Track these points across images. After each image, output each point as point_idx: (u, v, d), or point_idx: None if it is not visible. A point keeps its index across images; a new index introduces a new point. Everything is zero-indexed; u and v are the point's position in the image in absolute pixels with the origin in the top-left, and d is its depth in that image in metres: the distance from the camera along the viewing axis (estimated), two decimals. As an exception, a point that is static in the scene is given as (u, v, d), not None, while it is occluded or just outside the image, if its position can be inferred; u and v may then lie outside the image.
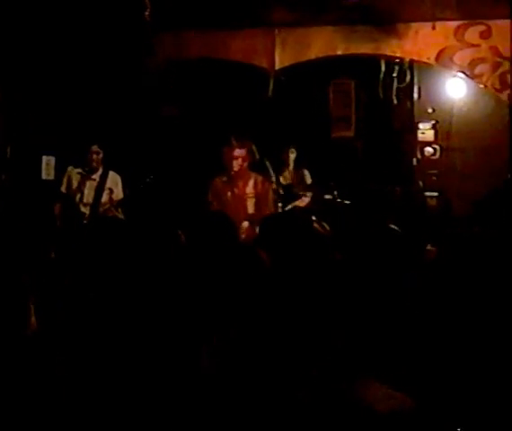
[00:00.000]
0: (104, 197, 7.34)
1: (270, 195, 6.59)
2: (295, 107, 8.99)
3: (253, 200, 6.48)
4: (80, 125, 8.08)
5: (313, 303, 2.87)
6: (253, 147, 6.46)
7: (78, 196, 7.33)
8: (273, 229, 3.74)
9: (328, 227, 4.26)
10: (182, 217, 4.36)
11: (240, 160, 6.41)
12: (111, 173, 7.43)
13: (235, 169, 6.43)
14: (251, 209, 6.49)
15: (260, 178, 6.56)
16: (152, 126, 8.72)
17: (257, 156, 6.49)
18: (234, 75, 8.68)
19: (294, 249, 3.49)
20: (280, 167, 8.06)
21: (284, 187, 7.57)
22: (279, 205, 7.00)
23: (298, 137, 8.54)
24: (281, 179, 7.87)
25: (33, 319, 2.80)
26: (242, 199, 6.50)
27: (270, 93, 8.32)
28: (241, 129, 6.95)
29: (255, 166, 6.62)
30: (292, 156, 8.36)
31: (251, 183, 6.54)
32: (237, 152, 6.42)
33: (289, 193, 7.58)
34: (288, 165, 8.34)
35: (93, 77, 8.06)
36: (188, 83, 8.77)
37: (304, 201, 7.46)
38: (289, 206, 7.26)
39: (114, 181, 7.45)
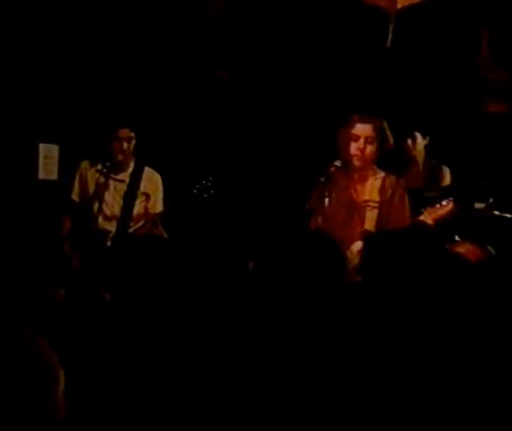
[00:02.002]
0: (137, 208, 4.88)
1: (406, 206, 4.32)
2: (424, 68, 6.05)
3: (375, 212, 4.25)
4: (97, 95, 5.71)
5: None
6: (384, 124, 4.30)
7: (97, 205, 4.81)
8: (385, 254, 2.75)
9: (490, 250, 3.06)
10: (255, 238, 3.42)
11: (362, 142, 4.19)
12: (148, 171, 4.94)
13: (356, 161, 4.20)
14: (370, 224, 4.26)
15: (390, 178, 4.31)
16: (211, 97, 6.00)
17: (391, 141, 4.27)
18: (337, 24, 5.98)
19: (422, 284, 2.57)
20: (403, 160, 5.51)
21: (409, 190, 4.70)
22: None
23: (429, 115, 5.87)
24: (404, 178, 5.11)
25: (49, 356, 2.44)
26: (359, 209, 4.26)
27: (389, 44, 5.73)
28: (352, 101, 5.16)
29: (384, 158, 4.35)
30: (421, 144, 5.67)
31: (375, 184, 4.29)
32: (360, 128, 4.22)
33: (418, 199, 4.82)
34: (415, 158, 5.68)
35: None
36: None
37: (439, 211, 4.53)
38: (419, 218, 4.54)
39: (152, 183, 4.97)
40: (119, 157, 4.74)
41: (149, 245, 3.00)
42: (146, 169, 4.93)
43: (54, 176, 5.75)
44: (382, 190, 4.25)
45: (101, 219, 4.78)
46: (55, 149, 5.75)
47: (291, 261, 2.81)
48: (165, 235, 4.72)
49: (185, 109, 6.01)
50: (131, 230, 4.81)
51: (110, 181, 4.81)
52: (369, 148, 4.18)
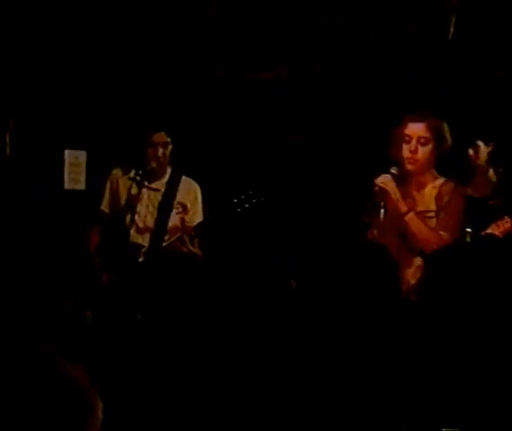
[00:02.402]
0: (173, 220, 4.49)
1: (459, 214, 3.88)
2: (487, 64, 5.43)
3: (433, 223, 3.83)
4: (126, 96, 5.24)
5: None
6: (444, 125, 3.89)
7: (129, 217, 4.41)
8: (449, 272, 2.60)
9: None
10: (301, 253, 3.52)
11: (414, 143, 3.76)
12: (185, 180, 4.58)
13: (408, 164, 3.80)
14: None
15: (448, 184, 3.88)
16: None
17: (448, 142, 3.87)
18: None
19: (492, 303, 2.39)
20: (467, 167, 4.85)
21: (473, 201, 4.33)
22: (467, 231, 4.01)
23: (492, 119, 5.18)
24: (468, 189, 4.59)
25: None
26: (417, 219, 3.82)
27: (451, 37, 5.24)
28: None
29: (442, 162, 3.89)
30: (484, 152, 4.88)
31: (433, 192, 3.86)
32: (412, 128, 3.80)
33: (482, 211, 4.31)
34: (479, 166, 4.87)
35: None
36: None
37: (508, 224, 4.00)
38: (487, 231, 3.99)
39: (190, 193, 4.59)
40: (154, 164, 4.38)
41: (185, 264, 2.89)
42: (184, 177, 4.57)
43: (81, 185, 5.21)
44: (438, 198, 3.83)
45: (133, 232, 4.38)
46: (82, 155, 5.20)
47: (342, 276, 2.75)
48: (199, 252, 4.24)
49: (213, 114, 5.56)
50: (165, 244, 4.34)
51: (144, 191, 4.43)
52: (422, 150, 3.77)
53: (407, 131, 3.83)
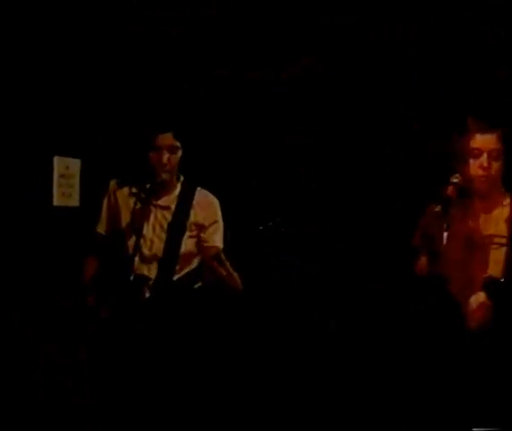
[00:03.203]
0: (187, 245, 3.64)
1: None
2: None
3: (503, 251, 3.13)
4: (127, 96, 4.57)
5: None
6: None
7: (132, 242, 3.56)
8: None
9: None
10: (342, 284, 3.21)
11: (485, 158, 3.17)
12: (201, 193, 3.76)
13: (480, 183, 3.20)
14: (495, 268, 3.12)
15: None
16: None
17: None
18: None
19: None
20: None
21: None
22: None
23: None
24: None
25: None
26: (481, 247, 3.16)
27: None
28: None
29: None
30: None
31: (503, 212, 3.22)
32: (482, 140, 3.20)
33: None
34: None
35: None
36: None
37: None
38: None
39: (207, 210, 3.74)
40: (161, 174, 3.55)
41: (204, 299, 2.49)
42: (199, 190, 3.73)
43: (74, 202, 4.33)
44: (510, 221, 3.16)
45: (137, 261, 3.52)
46: (75, 165, 4.29)
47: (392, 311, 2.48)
48: (236, 277, 3.49)
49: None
50: (177, 276, 3.54)
51: (151, 208, 3.57)
52: (496, 166, 3.17)
53: (474, 144, 3.21)
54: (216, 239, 3.66)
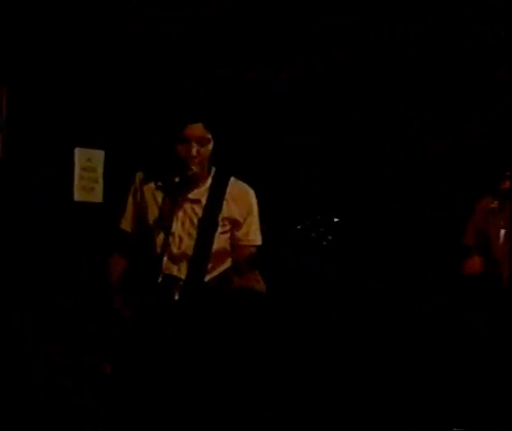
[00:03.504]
0: (220, 241, 3.32)
1: None
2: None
3: None
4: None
5: None
6: None
7: (160, 239, 3.28)
8: None
9: None
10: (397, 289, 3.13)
11: None
12: (235, 185, 3.42)
13: None
14: None
15: None
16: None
17: None
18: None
19: None
20: None
21: None
22: None
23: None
24: None
25: None
26: None
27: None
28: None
29: None
30: None
31: None
32: None
33: None
34: None
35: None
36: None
37: None
38: None
39: (242, 203, 3.41)
40: (192, 167, 3.24)
41: (240, 302, 2.39)
42: (233, 181, 3.40)
43: (97, 197, 4.01)
44: None
45: (165, 260, 3.22)
46: (99, 156, 3.95)
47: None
48: (263, 287, 3.20)
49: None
50: (209, 277, 3.25)
51: (180, 203, 3.26)
52: None
53: None
54: (251, 237, 3.34)
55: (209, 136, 3.31)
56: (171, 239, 3.23)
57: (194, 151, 3.24)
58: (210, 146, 3.30)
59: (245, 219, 3.34)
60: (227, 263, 3.26)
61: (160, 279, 3.17)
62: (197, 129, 3.27)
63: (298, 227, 3.02)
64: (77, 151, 3.96)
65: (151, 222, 3.28)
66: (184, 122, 3.27)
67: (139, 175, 3.38)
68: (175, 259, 3.24)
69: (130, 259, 3.36)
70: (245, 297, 2.94)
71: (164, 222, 3.23)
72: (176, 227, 3.27)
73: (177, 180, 3.20)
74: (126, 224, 3.40)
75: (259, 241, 3.30)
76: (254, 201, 3.39)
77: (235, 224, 3.32)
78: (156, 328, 2.98)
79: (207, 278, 3.21)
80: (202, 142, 3.29)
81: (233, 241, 3.31)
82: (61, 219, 3.92)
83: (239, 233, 3.31)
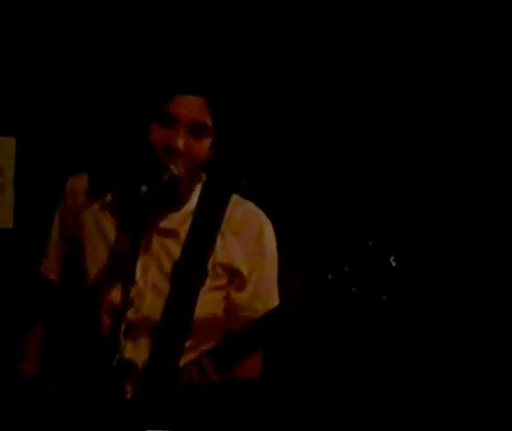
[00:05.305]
0: (207, 303, 2.03)
1: None
2: None
3: None
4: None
5: None
6: None
7: (113, 296, 1.93)
8: None
9: None
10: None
11: None
12: (238, 208, 2.17)
13: None
14: None
15: None
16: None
17: None
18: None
19: None
20: None
21: None
22: None
23: None
24: None
25: None
26: None
27: None
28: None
29: None
30: None
31: None
32: None
33: None
34: None
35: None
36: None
37: None
38: None
39: (247, 241, 2.09)
40: (171, 166, 1.98)
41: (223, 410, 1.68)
42: (236, 201, 2.20)
43: (4, 220, 2.72)
44: None
45: (122, 336, 1.85)
46: (6, 148, 2.55)
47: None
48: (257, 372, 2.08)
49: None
50: (185, 361, 2.04)
51: (144, 235, 1.91)
52: None
53: None
54: (260, 305, 2.07)
55: (210, 124, 2.07)
56: (125, 297, 1.85)
57: (180, 142, 1.98)
58: (208, 142, 2.06)
59: (253, 270, 2.09)
60: (216, 340, 2.00)
61: (114, 364, 1.83)
62: (191, 106, 1.99)
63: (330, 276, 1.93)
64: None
65: (94, 268, 1.99)
66: (169, 90, 2.00)
67: (73, 182, 2.11)
68: (131, 331, 1.95)
69: (57, 330, 2.05)
70: (229, 402, 2.00)
71: (119, 269, 1.91)
72: (140, 277, 1.95)
73: (143, 190, 1.84)
74: (49, 268, 2.17)
75: (275, 303, 2.07)
76: (270, 238, 2.13)
77: (235, 277, 2.06)
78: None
79: (182, 362, 1.99)
80: (197, 130, 2.03)
81: (230, 307, 2.07)
82: None
83: (241, 297, 2.07)
